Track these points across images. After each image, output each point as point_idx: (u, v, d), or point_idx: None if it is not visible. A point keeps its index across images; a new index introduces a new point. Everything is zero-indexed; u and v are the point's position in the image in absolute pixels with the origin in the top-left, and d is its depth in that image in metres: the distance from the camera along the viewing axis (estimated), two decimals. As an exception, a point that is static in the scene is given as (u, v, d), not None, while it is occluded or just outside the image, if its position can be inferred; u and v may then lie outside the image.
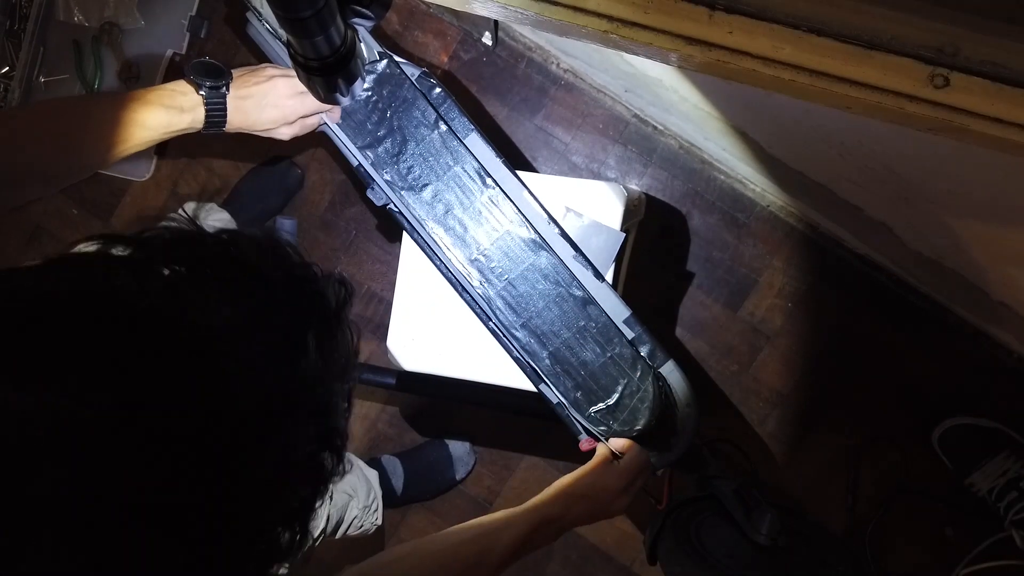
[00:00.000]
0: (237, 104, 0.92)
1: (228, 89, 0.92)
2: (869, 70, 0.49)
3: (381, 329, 1.45)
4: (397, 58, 1.00)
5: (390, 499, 1.43)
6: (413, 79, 0.99)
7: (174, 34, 1.47)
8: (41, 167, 0.82)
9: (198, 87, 0.90)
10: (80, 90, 1.46)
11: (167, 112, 0.88)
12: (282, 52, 1.04)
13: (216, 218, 1.42)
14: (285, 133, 0.97)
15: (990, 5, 0.46)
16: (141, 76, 1.47)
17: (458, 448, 1.50)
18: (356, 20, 0.82)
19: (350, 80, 0.92)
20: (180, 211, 1.40)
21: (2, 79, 1.44)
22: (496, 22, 1.32)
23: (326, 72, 0.85)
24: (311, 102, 0.95)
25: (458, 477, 1.49)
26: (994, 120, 0.49)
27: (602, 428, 0.99)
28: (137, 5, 1.44)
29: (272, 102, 0.94)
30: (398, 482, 1.46)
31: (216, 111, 0.91)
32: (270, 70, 0.95)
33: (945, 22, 0.47)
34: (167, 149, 1.52)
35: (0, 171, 0.77)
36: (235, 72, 0.93)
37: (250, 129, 0.96)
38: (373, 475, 1.37)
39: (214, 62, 0.91)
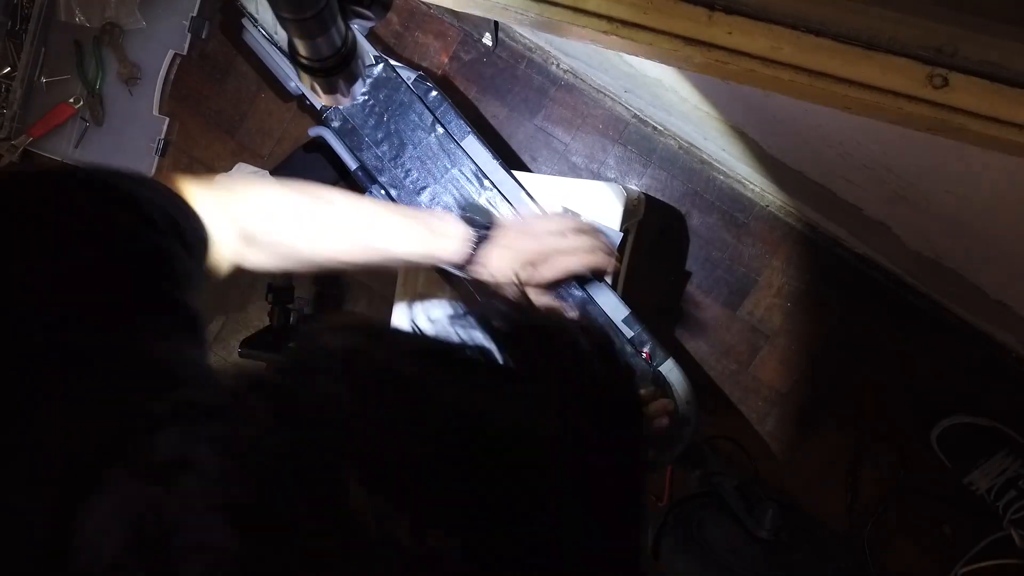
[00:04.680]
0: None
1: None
2: (868, 70, 0.49)
3: (381, 329, 1.45)
4: (393, 61, 1.00)
5: None
6: (409, 82, 0.99)
7: (176, 34, 1.47)
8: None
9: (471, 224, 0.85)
10: (81, 90, 1.46)
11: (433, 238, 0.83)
12: (278, 58, 1.04)
13: None
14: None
15: (989, 5, 0.46)
16: (142, 77, 1.48)
17: None
18: (357, 21, 0.82)
19: (351, 80, 0.92)
20: None
21: (3, 79, 1.44)
22: (496, 23, 1.32)
23: (327, 72, 0.86)
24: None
25: None
26: (993, 120, 0.49)
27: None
28: (138, 6, 1.44)
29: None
30: None
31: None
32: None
33: (944, 22, 0.48)
34: (168, 149, 1.53)
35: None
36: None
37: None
38: None
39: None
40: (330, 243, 0.78)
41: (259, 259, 0.75)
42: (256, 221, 0.73)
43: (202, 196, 0.65)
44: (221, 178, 0.74)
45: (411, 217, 0.82)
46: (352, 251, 0.79)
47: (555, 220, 0.92)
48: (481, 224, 0.85)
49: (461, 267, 0.86)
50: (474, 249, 0.85)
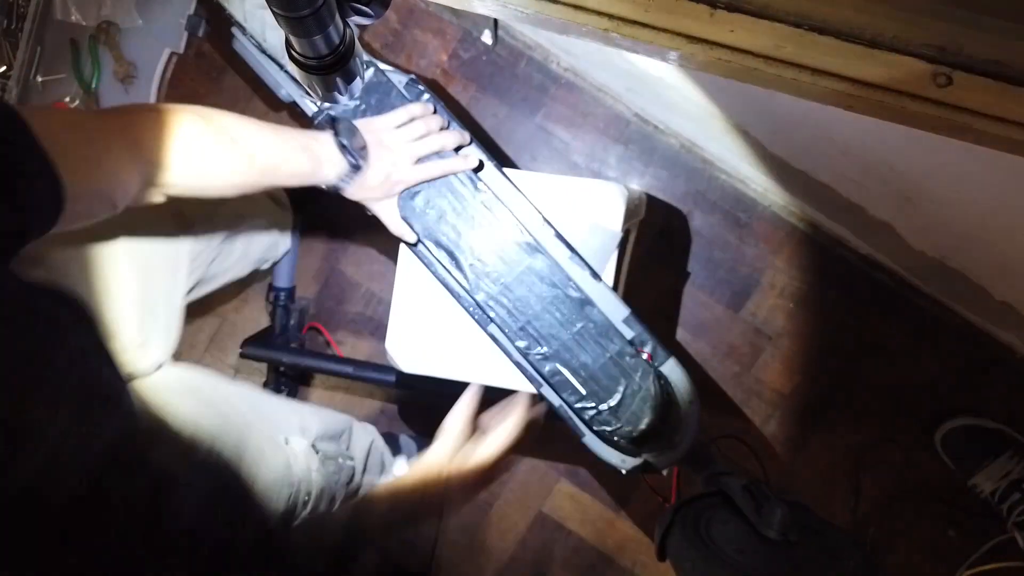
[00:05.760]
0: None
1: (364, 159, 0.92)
2: (871, 69, 0.49)
3: (381, 329, 1.45)
4: (382, 65, 0.99)
5: None
6: (400, 87, 0.99)
7: (172, 33, 1.46)
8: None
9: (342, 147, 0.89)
10: (77, 90, 1.45)
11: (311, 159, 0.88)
12: (269, 66, 1.03)
13: None
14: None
15: (994, 3, 0.45)
16: (139, 75, 1.47)
17: None
18: (356, 18, 0.81)
19: (349, 79, 0.91)
20: None
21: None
22: (496, 20, 1.32)
23: (325, 71, 0.85)
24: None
25: None
26: (997, 119, 0.48)
27: (605, 428, 0.98)
28: (135, 4, 1.44)
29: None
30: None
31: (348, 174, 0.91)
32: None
33: (948, 21, 0.47)
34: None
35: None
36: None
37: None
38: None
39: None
40: (225, 177, 0.81)
41: (157, 199, 0.78)
42: (162, 164, 0.75)
43: (99, 138, 0.68)
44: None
45: (298, 147, 0.86)
46: (244, 182, 0.83)
47: (403, 117, 0.96)
48: (352, 151, 0.90)
49: (338, 190, 0.92)
50: (351, 175, 0.90)
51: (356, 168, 0.90)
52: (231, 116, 0.81)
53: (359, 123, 0.93)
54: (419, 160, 0.95)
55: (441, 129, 0.98)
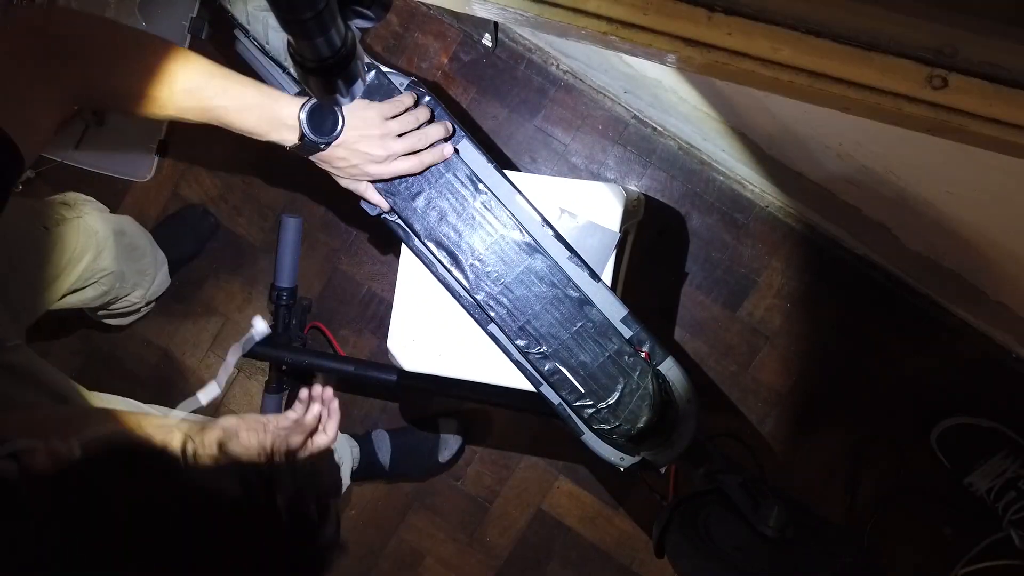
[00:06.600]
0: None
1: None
2: (867, 71, 0.49)
3: (382, 329, 1.46)
4: (384, 68, 1.00)
5: (379, 472, 1.49)
6: (401, 89, 0.99)
7: (175, 35, 1.47)
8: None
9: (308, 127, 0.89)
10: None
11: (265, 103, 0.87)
12: (271, 68, 1.04)
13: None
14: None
15: (988, 6, 0.46)
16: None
17: (447, 432, 1.52)
18: (357, 21, 0.82)
19: (350, 81, 0.92)
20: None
21: (2, 80, 1.44)
22: (496, 24, 1.32)
23: (326, 73, 0.85)
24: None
25: (442, 460, 1.51)
26: (992, 121, 0.49)
27: (603, 426, 0.99)
28: (138, 7, 1.44)
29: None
30: (385, 456, 1.49)
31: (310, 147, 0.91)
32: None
33: (943, 23, 0.47)
34: (169, 149, 1.53)
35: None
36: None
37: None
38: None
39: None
40: (175, 105, 0.81)
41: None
42: (106, 84, 0.76)
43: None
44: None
45: (250, 102, 0.85)
46: (193, 114, 0.83)
47: (396, 108, 0.96)
48: (316, 131, 0.89)
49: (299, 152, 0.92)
50: (311, 148, 0.90)
51: (316, 145, 0.90)
52: (181, 50, 0.80)
53: (353, 105, 0.92)
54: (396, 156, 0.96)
55: (428, 121, 0.98)
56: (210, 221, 1.53)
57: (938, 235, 1.05)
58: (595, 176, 1.44)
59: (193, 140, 1.53)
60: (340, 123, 0.91)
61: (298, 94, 0.94)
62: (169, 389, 1.57)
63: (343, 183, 0.98)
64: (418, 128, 0.97)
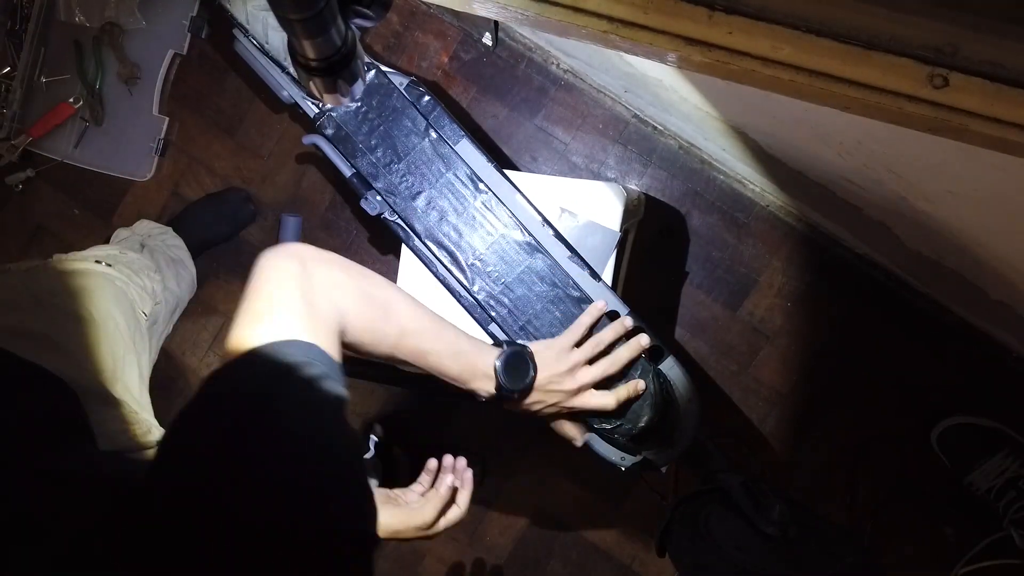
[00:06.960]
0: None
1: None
2: (868, 70, 0.49)
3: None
4: (384, 68, 1.00)
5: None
6: (401, 88, 0.99)
7: (175, 34, 1.47)
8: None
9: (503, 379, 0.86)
10: (81, 90, 1.46)
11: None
12: (271, 68, 1.04)
13: (172, 244, 1.42)
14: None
15: (989, 5, 0.46)
16: (142, 77, 1.48)
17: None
18: (357, 20, 0.82)
19: (351, 80, 0.92)
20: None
21: (3, 79, 1.44)
22: (496, 23, 1.32)
23: (326, 73, 0.85)
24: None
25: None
26: (993, 120, 0.49)
27: (605, 426, 0.99)
28: (138, 5, 1.44)
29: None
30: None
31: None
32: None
33: (944, 22, 0.47)
34: (168, 148, 1.53)
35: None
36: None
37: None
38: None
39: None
40: (389, 345, 0.79)
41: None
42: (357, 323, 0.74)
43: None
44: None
45: (452, 349, 0.84)
46: (405, 353, 0.80)
47: (580, 332, 0.93)
48: (517, 382, 0.87)
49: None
50: (502, 398, 0.87)
51: (509, 396, 0.87)
52: (392, 288, 0.79)
53: (536, 346, 0.90)
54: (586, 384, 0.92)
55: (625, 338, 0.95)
56: (250, 209, 1.51)
57: (939, 234, 1.05)
58: (596, 175, 1.44)
59: (192, 139, 1.53)
60: (531, 372, 0.88)
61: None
62: (169, 388, 1.57)
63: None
64: (606, 350, 0.94)
